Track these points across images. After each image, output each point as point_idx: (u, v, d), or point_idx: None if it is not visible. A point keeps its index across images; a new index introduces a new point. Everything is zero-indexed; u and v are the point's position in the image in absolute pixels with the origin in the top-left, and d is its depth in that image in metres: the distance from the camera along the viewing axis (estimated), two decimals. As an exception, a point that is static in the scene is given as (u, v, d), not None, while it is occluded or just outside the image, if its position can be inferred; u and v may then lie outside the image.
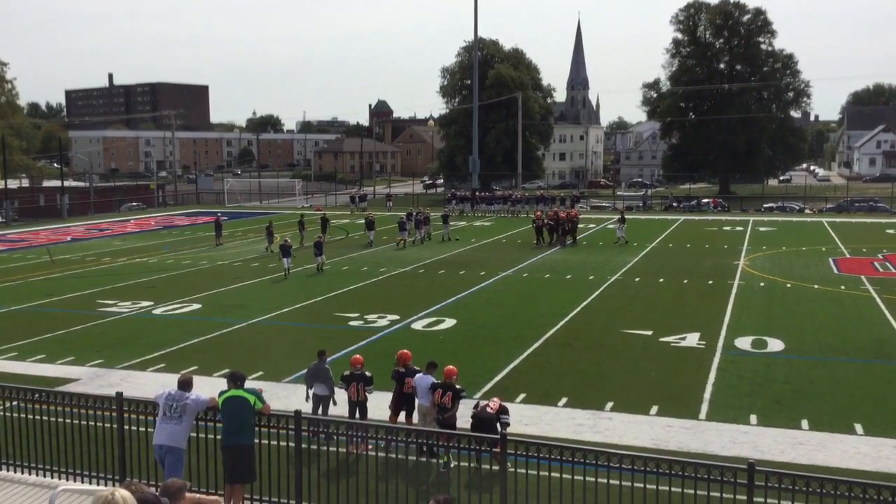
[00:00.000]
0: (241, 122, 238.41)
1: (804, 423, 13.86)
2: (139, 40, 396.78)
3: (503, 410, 11.88)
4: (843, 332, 20.64)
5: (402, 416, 12.88)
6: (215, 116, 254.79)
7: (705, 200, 66.24)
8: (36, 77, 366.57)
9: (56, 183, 74.02)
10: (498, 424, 11.58)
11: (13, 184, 72.24)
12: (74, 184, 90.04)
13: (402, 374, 12.88)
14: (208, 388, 13.10)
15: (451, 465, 11.28)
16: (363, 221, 44.39)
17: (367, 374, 12.90)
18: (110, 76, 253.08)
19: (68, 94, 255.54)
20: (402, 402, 12.87)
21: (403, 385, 12.83)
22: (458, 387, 12.16)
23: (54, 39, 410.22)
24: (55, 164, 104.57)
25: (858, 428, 13.60)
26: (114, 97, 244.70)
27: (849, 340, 19.80)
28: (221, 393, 10.13)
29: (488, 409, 11.77)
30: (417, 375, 12.76)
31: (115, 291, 27.82)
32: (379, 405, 13.17)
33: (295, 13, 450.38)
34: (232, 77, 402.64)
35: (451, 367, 12.51)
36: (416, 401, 12.67)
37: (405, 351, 13.39)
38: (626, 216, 43.20)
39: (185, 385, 10.19)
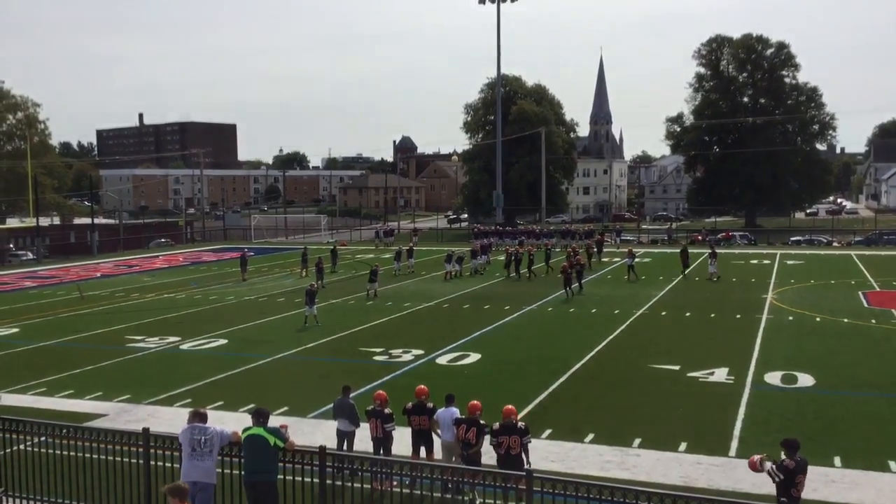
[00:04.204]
0: (267, 160, 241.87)
1: (836, 461, 13.58)
2: (169, 81, 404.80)
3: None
4: (875, 367, 20.27)
5: (423, 453, 12.77)
6: (243, 154, 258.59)
7: (733, 233, 65.69)
8: (68, 117, 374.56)
9: (86, 220, 75.20)
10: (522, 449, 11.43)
11: (45, 221, 73.49)
12: (104, 221, 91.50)
13: (408, 411, 12.77)
14: (234, 423, 13.12)
15: (477, 503, 11.15)
16: (403, 250, 45.97)
17: (387, 411, 12.74)
18: (140, 116, 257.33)
19: (99, 133, 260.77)
20: (416, 438, 12.75)
21: (411, 422, 12.75)
22: (482, 422, 11.97)
23: (86, 80, 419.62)
24: (86, 202, 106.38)
25: (893, 465, 13.29)
26: (143, 136, 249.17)
27: (881, 375, 19.44)
28: (245, 429, 10.14)
29: (512, 452, 11.52)
30: (440, 411, 12.66)
31: (143, 327, 28.08)
32: (405, 441, 13.09)
33: (319, 52, 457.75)
34: (259, 115, 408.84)
35: (474, 402, 12.32)
36: (441, 436, 12.56)
37: (421, 386, 13.24)
38: (716, 251, 41.20)
39: (205, 418, 10.23)
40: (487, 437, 11.96)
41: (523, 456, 11.47)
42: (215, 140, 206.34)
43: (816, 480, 12.70)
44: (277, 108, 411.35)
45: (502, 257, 45.24)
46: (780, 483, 9.49)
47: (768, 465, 9.59)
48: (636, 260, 40.87)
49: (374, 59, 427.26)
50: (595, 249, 47.98)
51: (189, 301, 34.60)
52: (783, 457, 9.59)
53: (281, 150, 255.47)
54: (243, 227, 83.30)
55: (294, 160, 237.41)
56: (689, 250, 42.48)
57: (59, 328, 28.25)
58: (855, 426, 15.53)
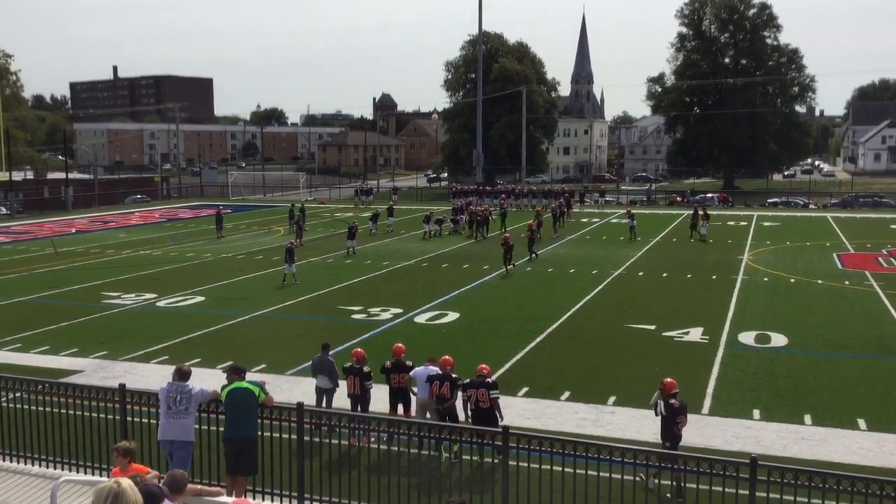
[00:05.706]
0: (245, 115, 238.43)
1: (807, 419, 13.85)
2: (144, 33, 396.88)
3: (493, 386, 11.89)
4: (847, 328, 20.60)
5: (400, 410, 12.90)
6: (219, 109, 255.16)
7: (710, 195, 66.04)
8: (41, 69, 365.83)
9: (60, 175, 74.06)
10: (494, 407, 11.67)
11: (18, 176, 72.22)
12: (79, 176, 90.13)
13: (388, 369, 12.91)
14: (212, 380, 13.13)
15: (454, 459, 11.28)
16: (381, 211, 44.94)
17: (365, 369, 12.86)
18: (115, 69, 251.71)
19: (73, 86, 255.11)
20: (394, 396, 12.91)
21: (390, 380, 12.88)
22: (454, 376, 12.18)
23: (59, 31, 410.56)
24: (60, 157, 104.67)
25: (861, 423, 13.59)
26: (118, 90, 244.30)
27: (852, 336, 19.76)
28: (224, 386, 10.12)
29: (482, 405, 11.70)
30: (416, 369, 12.75)
31: (118, 283, 27.86)
32: (382, 398, 13.18)
33: (300, 6, 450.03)
34: (236, 70, 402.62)
35: (446, 357, 12.55)
36: (417, 394, 12.67)
37: (398, 344, 13.43)
38: (708, 213, 40.89)
39: (186, 376, 10.16)
40: (461, 394, 12.09)
41: (496, 412, 11.64)
42: (191, 94, 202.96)
43: (787, 438, 12.98)
44: (255, 63, 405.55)
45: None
46: (664, 419, 11.00)
47: (659, 401, 11.13)
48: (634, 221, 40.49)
49: (355, 15, 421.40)
50: (566, 208, 47.96)
51: (165, 258, 34.33)
52: (671, 399, 11.06)
53: (259, 106, 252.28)
54: (220, 184, 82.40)
55: (272, 116, 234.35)
56: (670, 212, 42.49)
57: (33, 284, 27.95)
58: (826, 385, 15.82)
